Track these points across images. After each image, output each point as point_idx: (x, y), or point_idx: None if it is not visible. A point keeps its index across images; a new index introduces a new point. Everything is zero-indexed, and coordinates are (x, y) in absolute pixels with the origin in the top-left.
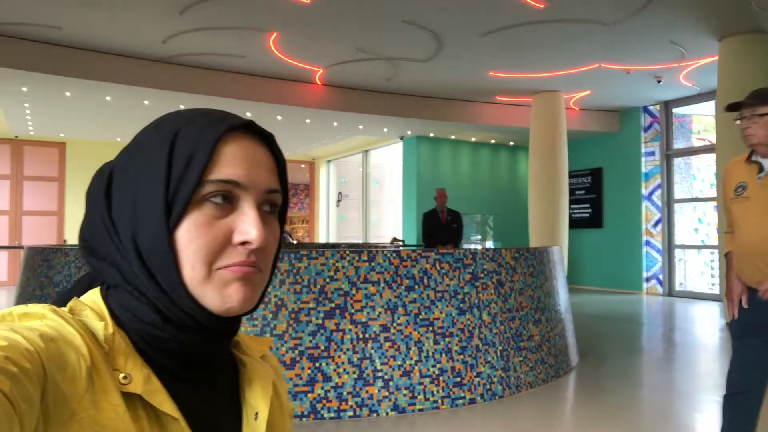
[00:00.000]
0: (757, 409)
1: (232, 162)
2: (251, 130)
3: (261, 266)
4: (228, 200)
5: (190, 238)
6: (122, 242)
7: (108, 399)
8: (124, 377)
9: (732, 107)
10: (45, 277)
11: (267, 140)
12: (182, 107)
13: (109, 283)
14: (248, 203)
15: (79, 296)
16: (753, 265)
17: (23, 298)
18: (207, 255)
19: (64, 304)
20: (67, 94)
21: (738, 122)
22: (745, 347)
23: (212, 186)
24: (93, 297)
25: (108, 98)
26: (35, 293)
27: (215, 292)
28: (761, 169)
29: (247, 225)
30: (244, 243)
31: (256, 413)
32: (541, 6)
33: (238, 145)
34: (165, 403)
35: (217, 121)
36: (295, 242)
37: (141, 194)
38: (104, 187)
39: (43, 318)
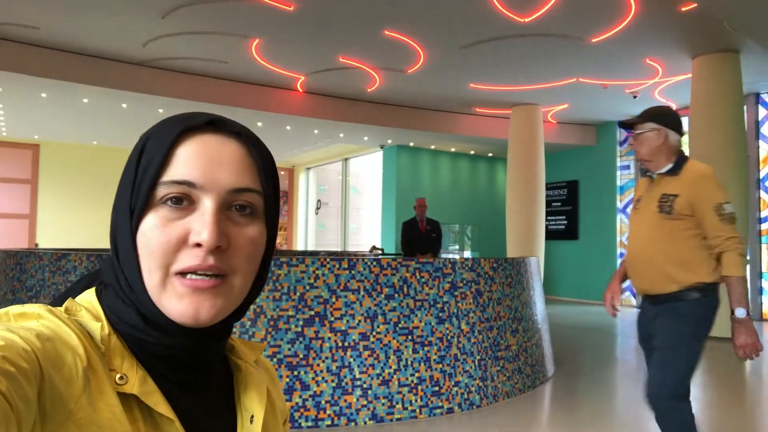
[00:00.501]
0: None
1: (187, 162)
2: (220, 128)
3: (227, 270)
4: (188, 201)
5: (146, 240)
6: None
7: (105, 399)
8: (121, 378)
9: (622, 125)
10: (17, 281)
11: (238, 137)
12: (161, 111)
13: (106, 281)
14: (207, 203)
15: (75, 297)
16: (638, 272)
17: None
18: (160, 257)
19: (61, 305)
20: (43, 95)
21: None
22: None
23: (165, 188)
24: (89, 298)
25: (85, 100)
26: (6, 297)
27: (170, 302)
28: (652, 181)
29: (200, 225)
30: (198, 245)
31: (252, 416)
32: (523, 20)
33: (198, 144)
34: (161, 404)
35: (177, 122)
36: None
37: (117, 201)
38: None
39: (39, 318)
